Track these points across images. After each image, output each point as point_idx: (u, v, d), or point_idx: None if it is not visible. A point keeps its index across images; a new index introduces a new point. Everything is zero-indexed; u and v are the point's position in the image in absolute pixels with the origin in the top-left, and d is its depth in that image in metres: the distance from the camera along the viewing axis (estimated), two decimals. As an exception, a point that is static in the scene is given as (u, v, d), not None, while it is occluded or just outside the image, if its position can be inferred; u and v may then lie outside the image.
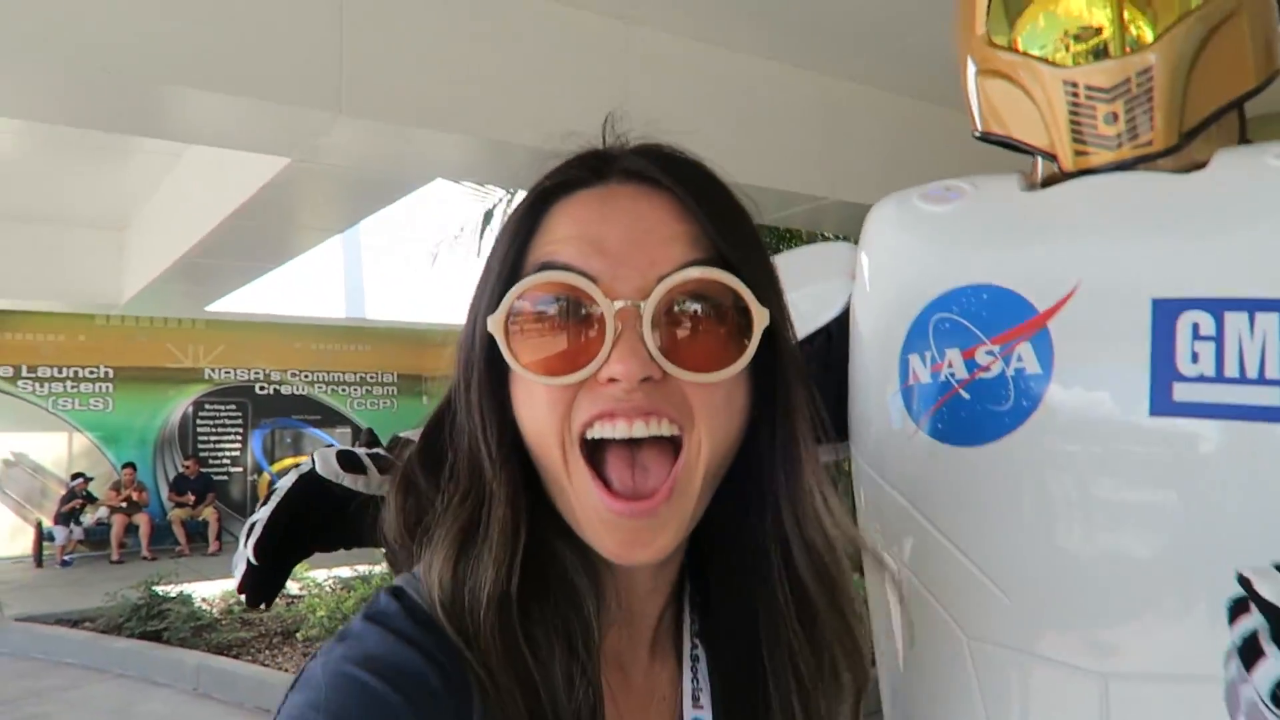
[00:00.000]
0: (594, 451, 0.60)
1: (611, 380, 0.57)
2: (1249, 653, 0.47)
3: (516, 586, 0.58)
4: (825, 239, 6.04)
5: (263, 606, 0.94)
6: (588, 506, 0.60)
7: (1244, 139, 0.89)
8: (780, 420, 0.65)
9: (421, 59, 3.00)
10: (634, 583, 0.66)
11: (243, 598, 0.92)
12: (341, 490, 0.89)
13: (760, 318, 0.60)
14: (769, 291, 0.63)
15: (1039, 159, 0.93)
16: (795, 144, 4.03)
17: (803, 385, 0.65)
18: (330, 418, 11.82)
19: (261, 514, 0.91)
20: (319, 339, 11.57)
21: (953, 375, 0.87)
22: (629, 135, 0.66)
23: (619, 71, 3.47)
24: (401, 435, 0.92)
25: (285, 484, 0.93)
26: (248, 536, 0.90)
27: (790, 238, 6.31)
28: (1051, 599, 0.81)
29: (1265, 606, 0.44)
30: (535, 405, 0.60)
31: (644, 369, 0.57)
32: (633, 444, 0.60)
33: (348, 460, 0.90)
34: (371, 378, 12.08)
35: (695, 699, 0.69)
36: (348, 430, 11.85)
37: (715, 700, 0.69)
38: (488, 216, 7.07)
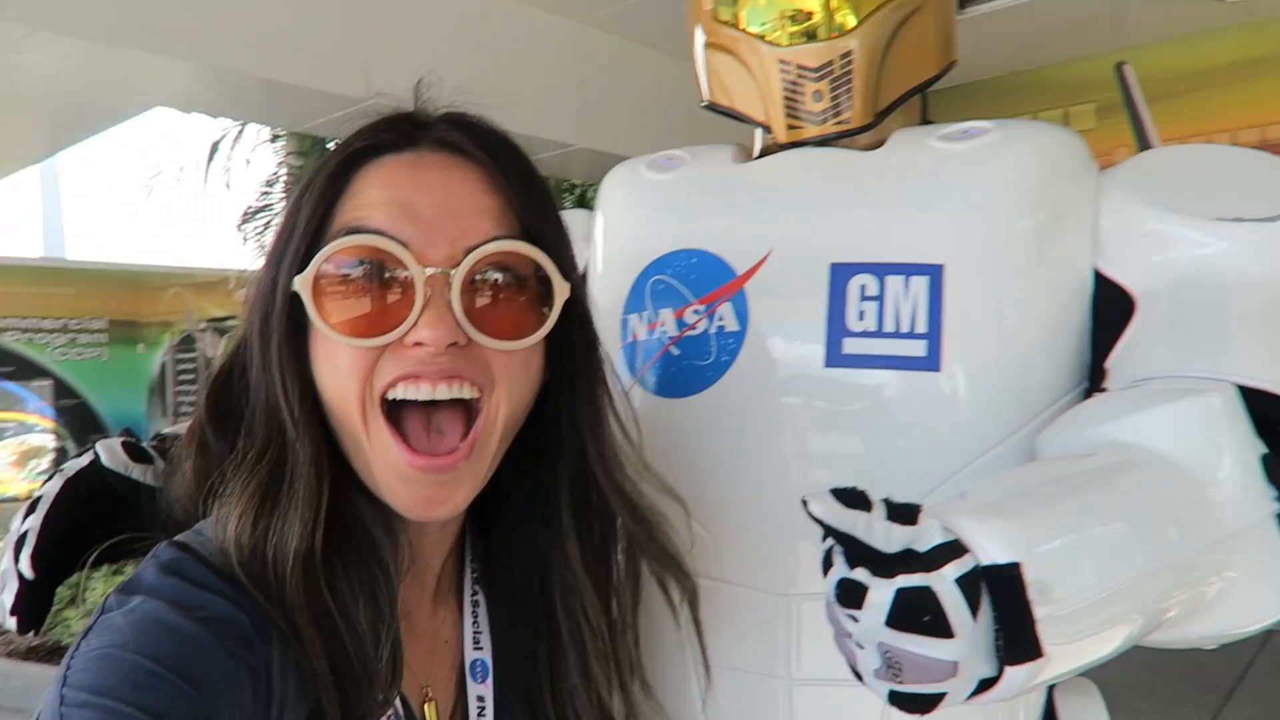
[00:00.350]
0: (391, 411, 0.62)
1: (418, 344, 0.60)
2: (826, 564, 0.57)
3: (320, 542, 0.60)
4: (572, 186, 6.12)
5: (32, 634, 0.86)
6: (386, 464, 0.62)
7: (926, 120, 1.02)
8: (581, 381, 0.70)
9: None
10: (423, 534, 0.69)
11: (12, 622, 0.82)
12: (121, 484, 0.82)
13: (562, 290, 0.65)
14: (568, 264, 0.68)
15: (757, 130, 1.02)
16: (546, 89, 4.04)
17: (598, 347, 0.72)
18: (25, 369, 10.50)
19: (31, 523, 0.81)
20: (9, 281, 10.21)
21: (665, 333, 0.94)
22: (437, 102, 0.68)
23: (361, 5, 3.31)
24: (166, 432, 0.87)
25: (51, 488, 0.83)
26: (16, 550, 0.81)
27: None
28: (747, 534, 0.91)
29: (818, 522, 0.54)
30: (338, 365, 0.62)
31: (451, 335, 0.60)
32: (430, 405, 0.63)
33: (135, 450, 0.84)
34: (76, 324, 10.83)
35: (475, 641, 0.74)
36: (48, 384, 10.61)
37: (495, 641, 0.74)
38: (214, 148, 6.54)
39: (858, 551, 0.54)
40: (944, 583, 0.52)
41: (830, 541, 0.56)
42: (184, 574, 0.57)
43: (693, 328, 0.93)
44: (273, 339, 0.63)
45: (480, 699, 0.72)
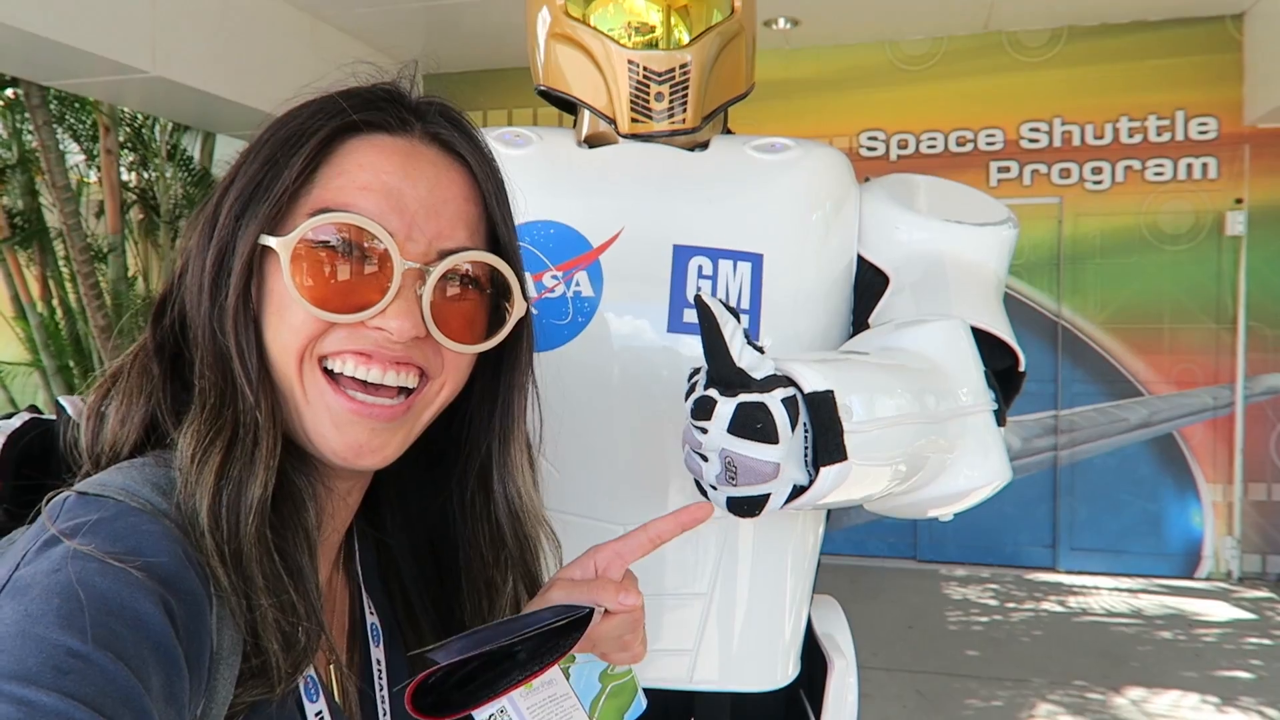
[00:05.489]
0: (327, 372, 0.63)
1: (380, 329, 0.61)
2: (688, 395, 0.73)
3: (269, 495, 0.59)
4: (123, 115, 5.38)
5: None
6: (320, 411, 0.62)
7: (726, 130, 1.21)
8: (505, 388, 0.74)
9: None
10: (335, 502, 0.69)
11: None
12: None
13: (519, 307, 0.68)
14: (525, 281, 0.70)
15: (586, 115, 1.12)
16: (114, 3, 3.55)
17: (532, 362, 0.75)
18: None
19: None
20: None
21: (524, 294, 1.02)
22: (415, 82, 0.68)
23: None
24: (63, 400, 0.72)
25: None
26: None
27: (81, 108, 5.44)
28: (587, 471, 1.04)
29: (701, 312, 0.70)
30: (289, 324, 0.61)
31: (416, 329, 0.62)
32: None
33: None
34: None
35: (369, 608, 0.76)
36: None
37: (380, 606, 0.78)
38: None
39: (716, 368, 0.70)
40: (773, 401, 0.70)
41: (697, 378, 0.72)
42: (118, 521, 0.53)
43: (550, 291, 1.03)
44: (229, 290, 0.61)
45: (378, 661, 0.75)
